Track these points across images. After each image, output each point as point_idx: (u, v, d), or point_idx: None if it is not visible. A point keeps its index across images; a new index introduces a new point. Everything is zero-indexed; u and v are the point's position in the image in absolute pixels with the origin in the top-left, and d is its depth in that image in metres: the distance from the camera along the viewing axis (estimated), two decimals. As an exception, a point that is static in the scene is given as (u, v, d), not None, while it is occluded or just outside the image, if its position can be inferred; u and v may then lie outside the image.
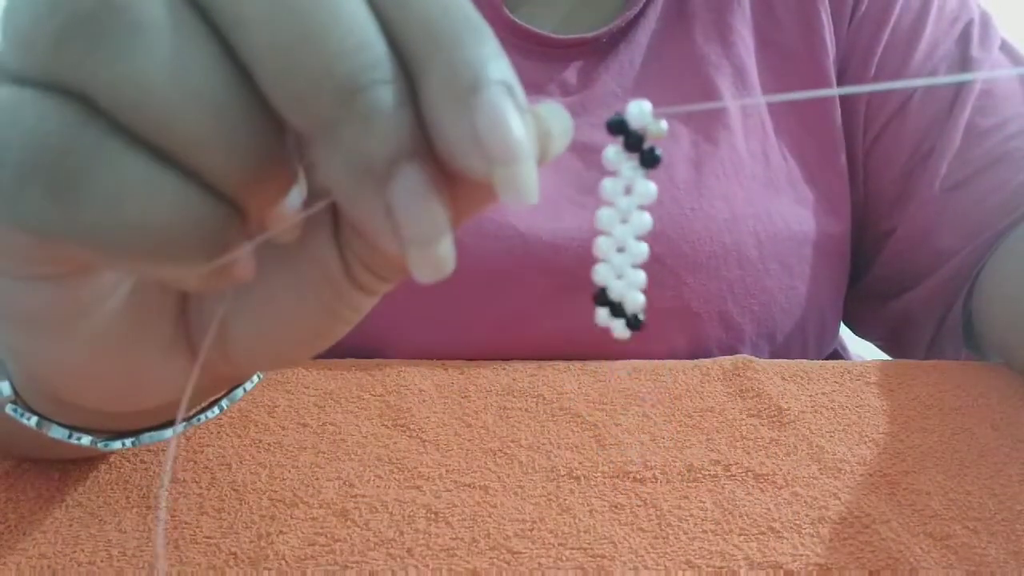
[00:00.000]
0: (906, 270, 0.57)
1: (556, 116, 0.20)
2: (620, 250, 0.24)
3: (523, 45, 0.55)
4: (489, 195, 0.20)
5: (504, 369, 0.46)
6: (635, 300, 0.24)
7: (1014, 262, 0.51)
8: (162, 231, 0.18)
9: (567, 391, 0.43)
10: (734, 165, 0.53)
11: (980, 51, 0.56)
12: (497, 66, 0.18)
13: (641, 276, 0.23)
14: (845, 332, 0.69)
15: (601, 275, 0.24)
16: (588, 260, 0.52)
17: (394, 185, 0.18)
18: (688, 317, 0.51)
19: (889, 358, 0.52)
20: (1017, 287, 0.50)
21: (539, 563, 0.30)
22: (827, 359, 0.63)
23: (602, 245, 0.24)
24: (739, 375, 0.45)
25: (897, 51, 0.56)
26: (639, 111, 0.22)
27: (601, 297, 0.24)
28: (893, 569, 0.30)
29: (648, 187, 0.23)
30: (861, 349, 0.68)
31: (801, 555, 0.30)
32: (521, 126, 0.18)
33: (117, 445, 0.30)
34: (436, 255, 0.19)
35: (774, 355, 0.54)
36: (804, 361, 0.47)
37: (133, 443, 0.31)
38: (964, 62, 0.56)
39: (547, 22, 0.56)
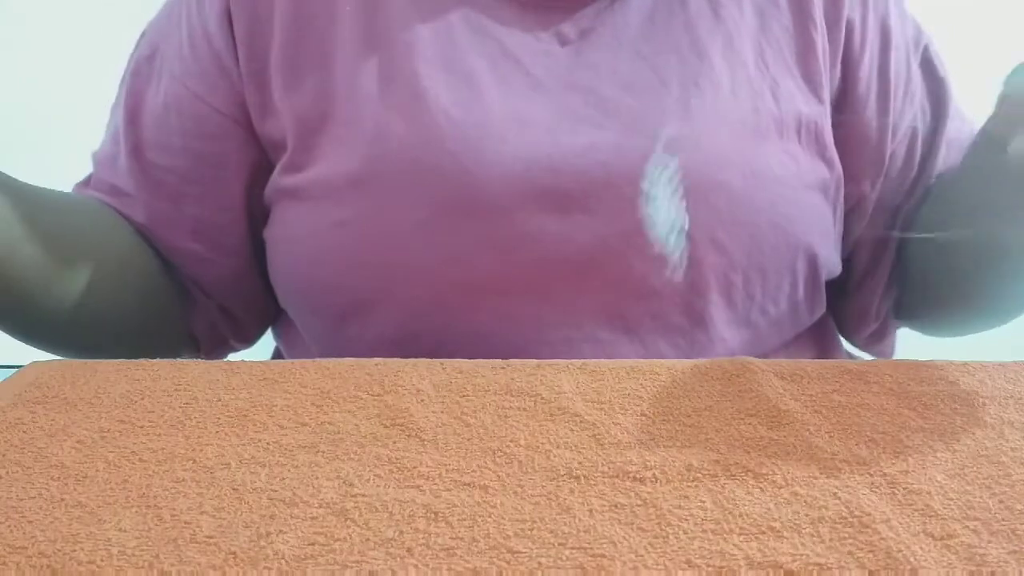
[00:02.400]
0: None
1: None
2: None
3: None
4: None
5: (503, 369, 0.46)
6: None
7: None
8: None
9: (565, 390, 0.43)
10: (719, 109, 0.56)
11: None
12: None
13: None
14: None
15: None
16: (585, 183, 0.55)
17: None
18: (683, 238, 0.53)
19: (889, 358, 0.53)
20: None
21: (539, 563, 0.30)
22: (828, 353, 0.64)
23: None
24: (738, 375, 0.45)
25: (880, 83, 0.62)
26: None
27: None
28: (893, 569, 0.30)
29: None
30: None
31: (801, 555, 0.30)
32: None
33: None
34: None
35: (766, 293, 0.57)
36: (804, 361, 0.47)
37: None
38: (933, 75, 0.66)
39: None
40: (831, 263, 0.61)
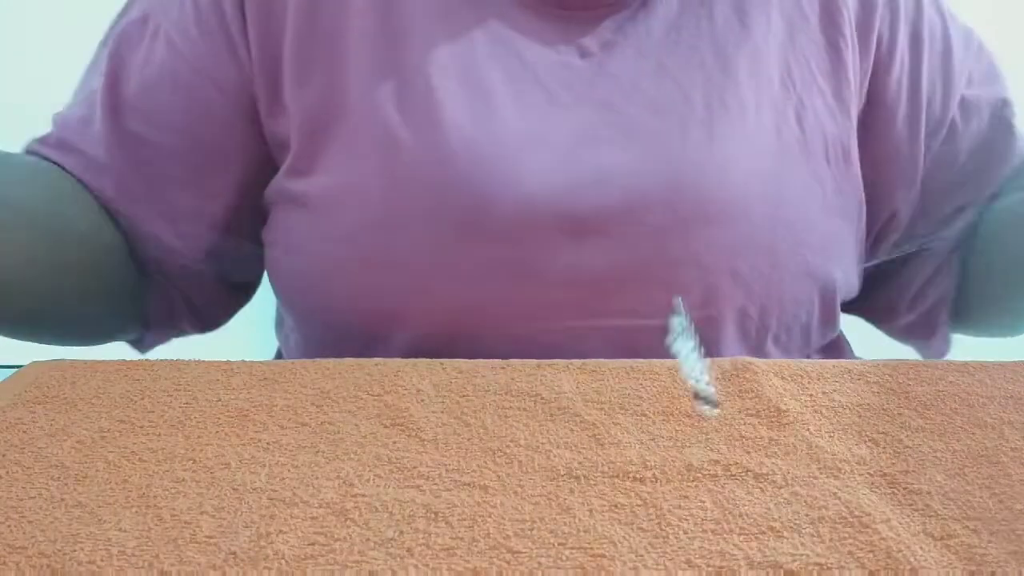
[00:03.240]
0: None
1: None
2: None
3: (541, 7, 0.57)
4: None
5: (503, 369, 0.46)
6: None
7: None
8: None
9: (565, 390, 0.43)
10: (745, 132, 0.54)
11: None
12: None
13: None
14: (848, 331, 0.69)
15: None
16: (601, 209, 0.52)
17: None
18: (698, 269, 0.52)
19: (889, 358, 0.52)
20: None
21: (539, 563, 0.30)
22: (831, 348, 0.63)
23: None
24: (738, 375, 0.45)
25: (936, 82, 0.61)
26: None
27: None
28: (893, 569, 0.30)
29: None
30: (863, 349, 0.68)
31: (801, 555, 0.30)
32: None
33: None
34: None
35: (781, 323, 0.55)
36: (804, 361, 0.47)
37: None
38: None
39: None
40: (849, 286, 0.59)
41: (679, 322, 0.42)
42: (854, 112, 0.58)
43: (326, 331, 0.58)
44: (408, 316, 0.53)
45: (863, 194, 0.59)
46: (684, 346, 0.40)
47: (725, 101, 0.54)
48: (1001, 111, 0.63)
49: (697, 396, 0.39)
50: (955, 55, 0.62)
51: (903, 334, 0.68)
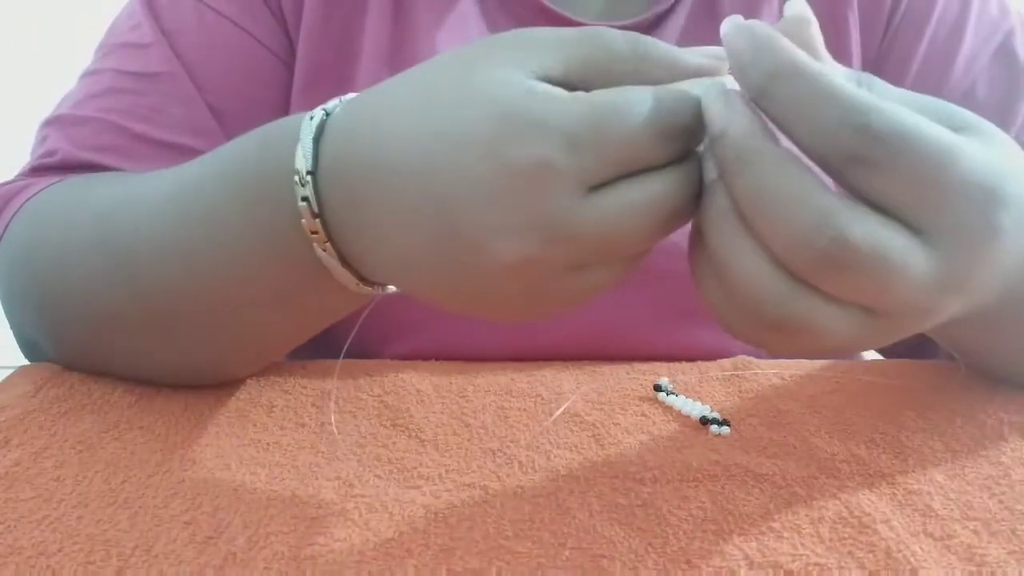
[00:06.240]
0: None
1: None
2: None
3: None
4: None
5: (503, 369, 0.46)
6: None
7: None
8: None
9: (565, 391, 0.43)
10: None
11: None
12: None
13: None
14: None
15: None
16: None
17: None
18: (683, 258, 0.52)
19: (889, 359, 0.52)
20: None
21: (539, 563, 0.30)
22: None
23: None
24: (738, 375, 0.45)
25: (935, 64, 0.56)
26: None
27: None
28: (893, 569, 0.30)
29: None
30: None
31: (801, 555, 0.30)
32: None
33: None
34: None
35: None
36: (804, 361, 0.47)
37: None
38: (1012, 67, 0.56)
39: (583, 10, 0.56)
40: None
41: (664, 384, 0.43)
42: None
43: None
44: (408, 322, 0.53)
45: None
46: (676, 400, 0.42)
47: None
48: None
49: (706, 422, 0.40)
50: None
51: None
